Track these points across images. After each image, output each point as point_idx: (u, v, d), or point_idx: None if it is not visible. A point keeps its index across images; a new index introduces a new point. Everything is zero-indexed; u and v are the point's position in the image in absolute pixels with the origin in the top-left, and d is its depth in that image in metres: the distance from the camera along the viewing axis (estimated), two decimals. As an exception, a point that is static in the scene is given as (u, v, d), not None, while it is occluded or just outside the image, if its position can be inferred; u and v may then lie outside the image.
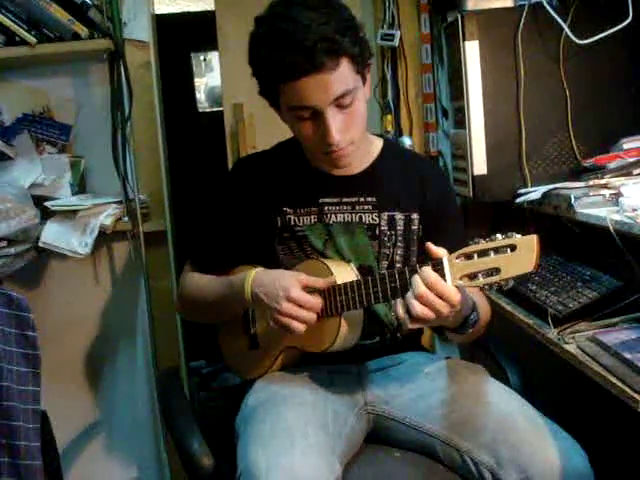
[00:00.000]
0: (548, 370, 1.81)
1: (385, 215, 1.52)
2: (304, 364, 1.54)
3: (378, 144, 1.59)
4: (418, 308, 1.21)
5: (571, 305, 1.63)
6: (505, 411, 1.35)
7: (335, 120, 1.35)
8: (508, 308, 1.84)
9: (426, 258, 1.25)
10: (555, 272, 1.83)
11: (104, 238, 2.25)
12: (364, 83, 1.42)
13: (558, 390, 2.01)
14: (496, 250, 1.16)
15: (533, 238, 1.14)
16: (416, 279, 1.22)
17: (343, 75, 1.33)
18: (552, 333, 1.59)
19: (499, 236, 1.17)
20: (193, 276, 1.63)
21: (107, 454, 2.48)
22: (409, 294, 1.23)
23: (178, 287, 1.67)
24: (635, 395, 1.24)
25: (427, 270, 1.22)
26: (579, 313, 1.62)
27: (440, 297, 1.20)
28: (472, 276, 1.19)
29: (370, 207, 1.52)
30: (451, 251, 1.22)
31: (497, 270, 1.16)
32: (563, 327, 1.59)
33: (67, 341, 2.39)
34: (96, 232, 2.11)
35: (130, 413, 2.48)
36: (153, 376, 2.40)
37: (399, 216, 1.53)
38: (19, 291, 1.86)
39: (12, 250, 1.94)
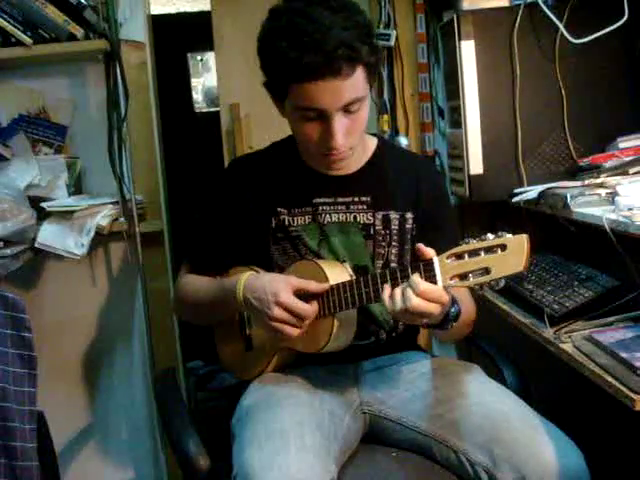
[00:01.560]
0: (544, 369, 1.81)
1: (380, 215, 1.52)
2: (300, 364, 1.53)
3: (373, 144, 1.59)
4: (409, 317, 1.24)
5: (567, 304, 1.64)
6: (501, 411, 1.35)
7: (341, 124, 1.35)
8: (504, 307, 1.84)
9: (417, 259, 1.26)
10: (551, 271, 1.83)
11: (100, 239, 2.25)
12: (370, 91, 1.42)
13: (554, 389, 2.01)
14: (487, 250, 1.16)
15: (523, 238, 1.14)
16: (408, 292, 1.22)
17: (356, 83, 1.32)
18: (548, 332, 1.59)
19: (490, 236, 1.17)
20: (188, 278, 1.63)
21: (104, 455, 2.48)
22: (401, 305, 1.23)
23: (174, 288, 1.67)
24: (631, 394, 1.24)
25: (418, 281, 1.22)
26: (575, 312, 1.62)
27: (431, 301, 1.21)
28: (463, 276, 1.19)
29: (365, 207, 1.52)
30: (445, 251, 1.22)
31: (487, 270, 1.16)
32: (559, 326, 1.59)
33: (64, 342, 2.39)
34: (92, 233, 2.11)
35: (127, 414, 2.48)
36: (150, 377, 2.40)
37: (394, 215, 1.53)
38: (15, 292, 1.86)
39: (8, 251, 1.93)
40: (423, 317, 1.24)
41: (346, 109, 1.34)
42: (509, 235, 1.16)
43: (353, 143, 1.41)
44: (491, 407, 1.37)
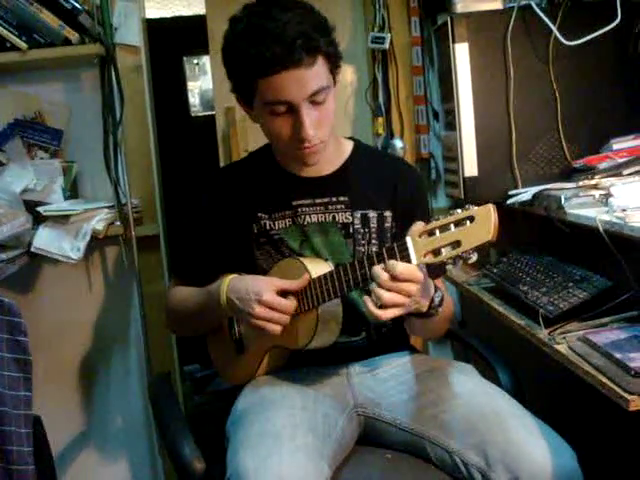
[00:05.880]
0: (539, 370, 1.81)
1: (358, 214, 1.54)
2: (293, 366, 1.54)
3: (348, 146, 1.62)
4: (387, 296, 1.24)
5: (562, 305, 1.64)
6: (495, 411, 1.35)
7: (309, 115, 1.38)
8: (499, 309, 1.84)
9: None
10: (546, 272, 1.83)
11: (96, 243, 2.25)
12: (334, 84, 1.45)
13: (548, 390, 2.01)
14: (456, 223, 1.18)
15: (489, 207, 1.16)
16: (376, 269, 1.25)
17: (319, 72, 1.37)
18: (543, 333, 1.59)
19: (458, 210, 1.19)
20: (177, 290, 1.64)
21: (101, 459, 2.48)
22: (374, 286, 1.25)
23: (165, 302, 1.68)
24: (625, 394, 1.24)
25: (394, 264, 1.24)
26: (570, 313, 1.62)
27: (406, 279, 1.23)
28: (436, 252, 1.21)
29: (343, 206, 1.54)
30: None
31: (459, 243, 1.18)
32: (554, 327, 1.59)
33: (60, 346, 2.39)
34: (88, 237, 2.11)
35: (124, 417, 2.48)
36: (146, 380, 2.40)
37: (372, 214, 1.55)
38: (11, 296, 1.86)
39: (4, 255, 1.93)
40: (409, 295, 1.25)
41: (313, 100, 1.38)
42: (476, 207, 1.17)
43: (323, 136, 1.43)
44: (485, 408, 1.37)
